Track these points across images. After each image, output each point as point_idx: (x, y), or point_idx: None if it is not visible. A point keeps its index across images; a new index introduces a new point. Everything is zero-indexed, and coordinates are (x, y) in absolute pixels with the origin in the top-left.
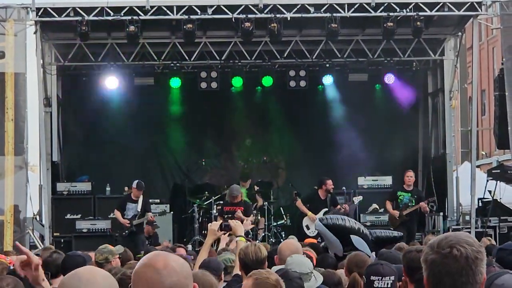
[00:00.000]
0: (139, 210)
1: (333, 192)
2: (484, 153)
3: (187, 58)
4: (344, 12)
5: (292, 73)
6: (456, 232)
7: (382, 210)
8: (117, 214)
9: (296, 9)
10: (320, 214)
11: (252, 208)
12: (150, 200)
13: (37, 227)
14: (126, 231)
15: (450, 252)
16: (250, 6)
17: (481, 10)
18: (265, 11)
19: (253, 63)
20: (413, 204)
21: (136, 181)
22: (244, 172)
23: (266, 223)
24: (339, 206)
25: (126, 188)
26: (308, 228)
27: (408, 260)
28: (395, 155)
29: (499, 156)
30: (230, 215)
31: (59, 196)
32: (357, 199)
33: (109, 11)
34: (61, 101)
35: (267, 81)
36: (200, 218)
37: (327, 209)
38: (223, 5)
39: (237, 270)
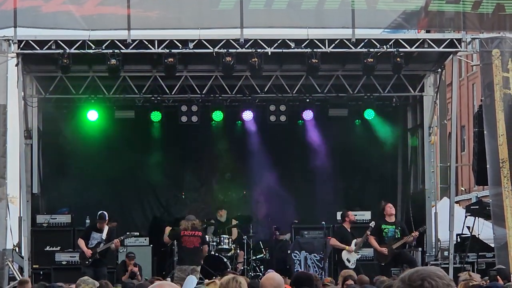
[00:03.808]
0: (104, 239)
1: (312, 226)
2: (463, 189)
3: (167, 91)
4: (325, 47)
5: (272, 107)
6: (427, 266)
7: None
8: (80, 242)
9: (277, 44)
10: (353, 245)
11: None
12: (129, 233)
13: (17, 259)
14: (89, 260)
15: (422, 285)
16: (231, 41)
17: (461, 47)
18: (246, 46)
19: (233, 97)
20: (399, 235)
21: (99, 213)
22: (219, 201)
23: (245, 257)
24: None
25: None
26: (348, 261)
27: None
28: (374, 191)
29: (478, 192)
30: None
31: (38, 228)
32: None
33: (90, 44)
34: (42, 133)
35: (247, 115)
36: None
37: (356, 240)
38: (204, 40)
39: None
